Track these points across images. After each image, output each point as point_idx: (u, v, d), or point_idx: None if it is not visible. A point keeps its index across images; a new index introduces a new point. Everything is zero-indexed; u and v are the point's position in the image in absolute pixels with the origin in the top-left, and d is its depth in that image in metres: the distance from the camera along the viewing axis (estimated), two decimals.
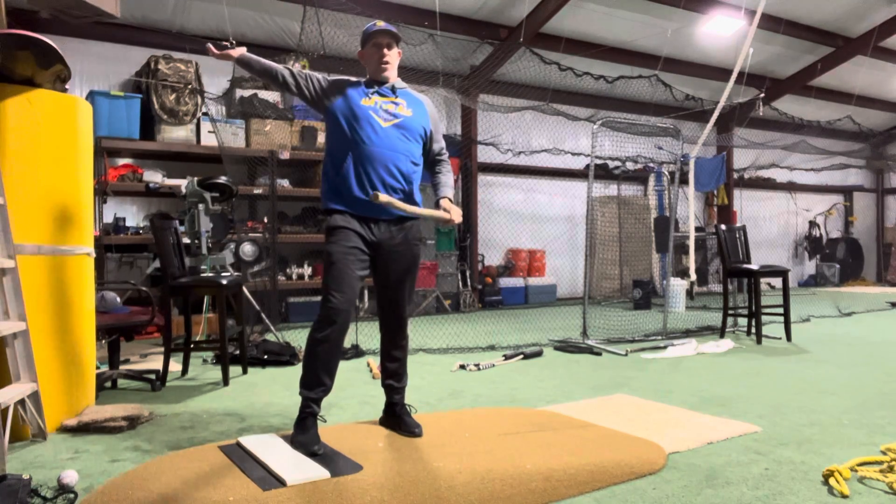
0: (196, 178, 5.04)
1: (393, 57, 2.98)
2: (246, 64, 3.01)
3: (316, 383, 2.78)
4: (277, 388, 4.13)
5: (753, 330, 6.01)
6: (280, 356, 4.97)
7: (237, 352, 4.75)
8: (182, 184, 5.33)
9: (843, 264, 13.90)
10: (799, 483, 2.42)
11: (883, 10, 9.85)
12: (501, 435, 2.92)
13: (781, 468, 2.57)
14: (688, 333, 6.36)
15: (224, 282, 4.31)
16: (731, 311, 6.31)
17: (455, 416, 3.35)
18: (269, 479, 2.36)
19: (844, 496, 2.28)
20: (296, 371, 4.58)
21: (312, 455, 2.60)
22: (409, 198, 2.92)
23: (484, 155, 9.82)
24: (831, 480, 2.38)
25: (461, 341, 5.85)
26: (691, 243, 7.79)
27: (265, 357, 4.95)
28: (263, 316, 6.04)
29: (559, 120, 9.49)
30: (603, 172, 10.07)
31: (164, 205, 7.34)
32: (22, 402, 2.91)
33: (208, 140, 7.07)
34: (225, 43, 3.01)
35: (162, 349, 4.67)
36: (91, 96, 6.47)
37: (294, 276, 7.69)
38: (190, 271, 4.61)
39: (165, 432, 3.18)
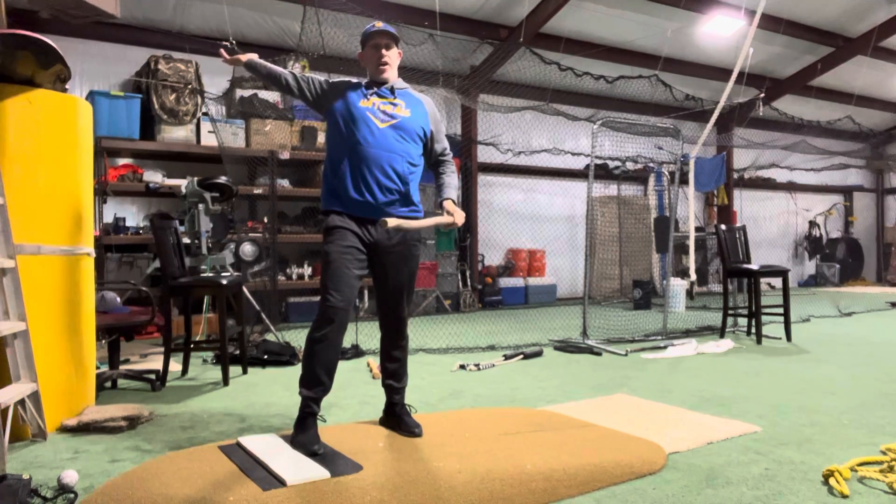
0: (196, 178, 5.04)
1: (392, 57, 2.99)
2: (253, 68, 3.04)
3: (315, 383, 2.78)
4: (277, 388, 4.13)
5: (753, 330, 6.01)
6: (280, 356, 4.97)
7: (237, 352, 4.75)
8: (182, 184, 5.33)
9: (843, 264, 13.90)
10: (799, 483, 2.42)
11: (883, 10, 9.85)
12: (501, 435, 2.92)
13: (781, 468, 2.57)
14: (688, 333, 6.36)
15: (224, 282, 4.31)
16: (731, 311, 6.31)
17: (455, 416, 3.35)
18: (269, 479, 2.36)
19: (844, 496, 2.28)
20: (296, 371, 4.57)
21: (312, 455, 2.60)
22: (405, 199, 2.92)
23: (484, 155, 9.82)
24: (831, 480, 2.38)
25: (461, 341, 5.85)
26: (691, 243, 7.79)
27: (265, 357, 4.95)
28: (263, 316, 6.04)
29: (559, 120, 9.49)
30: (603, 172, 10.07)
31: (164, 205, 7.33)
32: (22, 402, 2.91)
33: (208, 140, 7.07)
34: (234, 48, 3.04)
35: (162, 349, 4.67)
36: (91, 96, 6.47)
37: (294, 276, 7.69)
38: (190, 271, 4.61)
39: (165, 432, 3.18)
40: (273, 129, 7.37)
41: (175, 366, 4.55)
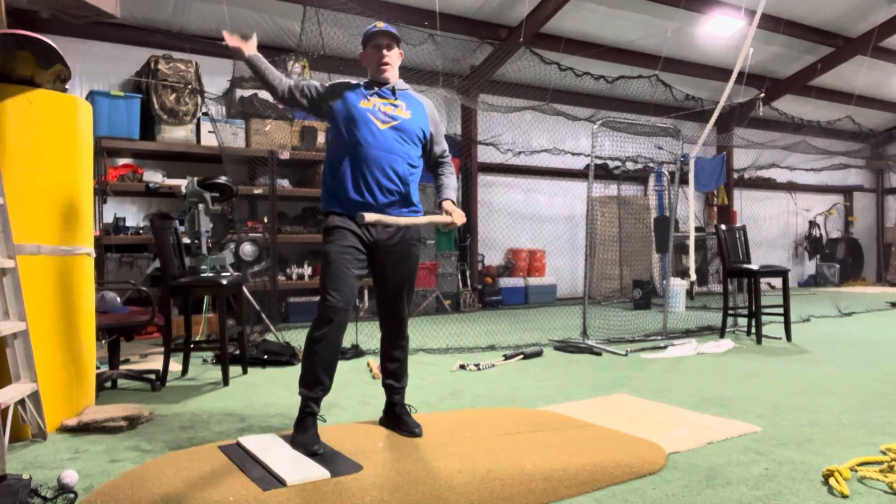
0: (196, 178, 5.04)
1: (393, 58, 2.99)
2: (253, 66, 2.94)
3: (315, 382, 2.78)
4: (277, 388, 4.13)
5: (753, 330, 6.01)
6: (280, 356, 4.97)
7: (237, 352, 4.75)
8: (182, 184, 5.33)
9: (843, 264, 13.90)
10: (799, 483, 2.42)
11: (883, 10, 9.85)
12: (501, 435, 2.92)
13: (781, 468, 2.57)
14: (688, 333, 6.36)
15: (224, 282, 4.31)
16: (731, 311, 6.30)
17: (455, 416, 3.36)
18: (269, 479, 2.36)
19: (844, 496, 2.28)
20: (296, 371, 4.56)
21: (312, 455, 2.61)
22: (405, 200, 2.92)
23: (484, 155, 9.82)
24: (831, 480, 2.38)
25: (461, 341, 5.85)
26: (691, 243, 7.79)
27: (265, 357, 4.95)
28: (263, 316, 6.04)
29: (559, 120, 9.49)
30: (603, 172, 10.07)
31: (164, 205, 7.33)
32: (22, 402, 2.91)
33: (208, 140, 7.07)
34: (246, 34, 2.95)
35: (162, 349, 4.67)
36: (91, 96, 6.47)
37: (294, 276, 7.69)
38: (190, 271, 4.61)
39: (165, 432, 3.18)
40: (273, 129, 7.37)
41: (175, 366, 4.55)
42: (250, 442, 2.76)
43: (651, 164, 10.63)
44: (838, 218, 14.84)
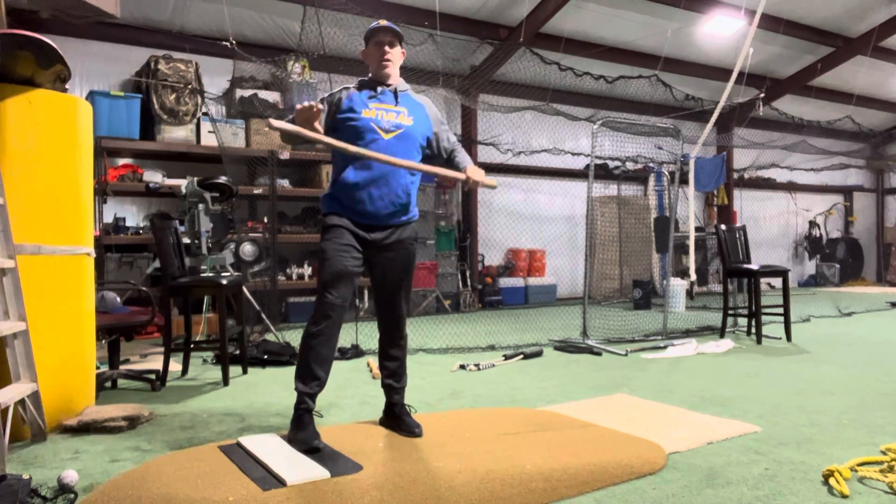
0: (196, 178, 5.05)
1: (395, 55, 2.98)
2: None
3: (311, 377, 2.79)
4: (277, 388, 4.13)
5: (753, 330, 6.01)
6: (280, 356, 4.97)
7: (237, 352, 4.75)
8: (182, 184, 5.33)
9: (843, 264, 13.89)
10: (799, 483, 2.42)
11: (883, 10, 9.84)
12: (501, 435, 2.92)
13: (781, 468, 2.57)
14: (688, 333, 6.36)
15: (224, 282, 4.31)
16: (731, 311, 6.30)
17: (455, 416, 3.36)
18: (269, 479, 2.36)
19: (844, 496, 2.28)
20: None
21: (312, 451, 2.61)
22: (406, 208, 2.94)
23: (484, 155, 9.81)
24: (831, 480, 2.38)
25: (461, 341, 5.85)
26: (691, 243, 7.79)
27: (265, 357, 4.95)
28: (263, 316, 6.03)
29: (559, 120, 9.49)
30: (603, 172, 10.06)
31: (164, 205, 7.33)
32: (22, 402, 2.91)
33: (208, 140, 7.07)
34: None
35: (162, 349, 4.67)
36: (91, 96, 6.47)
37: (294, 276, 7.69)
38: (190, 271, 4.62)
39: (165, 432, 3.18)
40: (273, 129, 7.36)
41: (175, 366, 4.55)
42: (250, 442, 2.76)
43: (651, 164, 10.63)
44: (838, 218, 14.84)
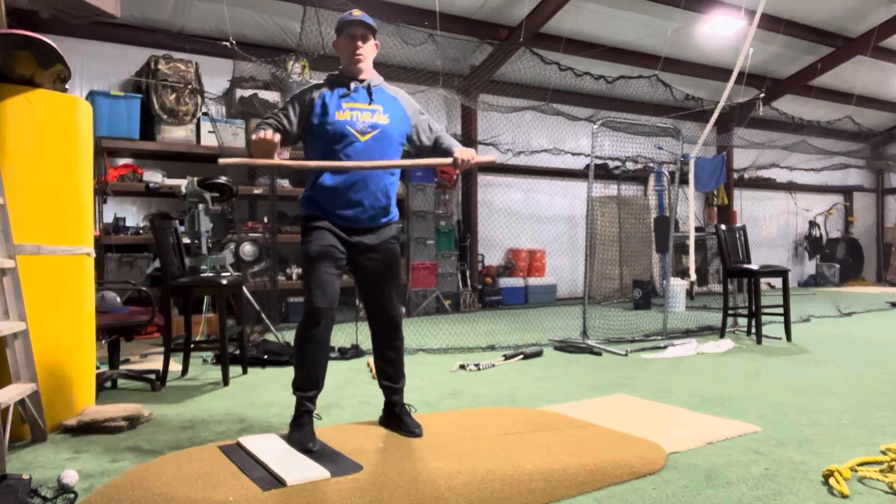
0: (196, 178, 5.04)
1: (368, 50, 2.88)
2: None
3: (309, 385, 2.79)
4: (277, 388, 4.13)
5: (753, 330, 6.01)
6: (280, 356, 4.97)
7: (237, 352, 4.75)
8: (182, 184, 5.33)
9: (843, 264, 13.89)
10: (799, 483, 2.42)
11: (883, 10, 9.84)
12: (501, 435, 2.92)
13: (781, 468, 2.57)
14: (688, 333, 6.36)
15: (224, 282, 4.31)
16: (731, 311, 6.30)
17: (455, 416, 3.36)
18: (269, 479, 2.36)
19: (844, 496, 2.27)
20: None
21: (307, 452, 2.61)
22: (385, 210, 2.90)
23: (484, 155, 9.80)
24: (831, 480, 2.38)
25: (461, 341, 5.85)
26: (691, 243, 7.79)
27: (265, 357, 4.95)
28: (263, 316, 6.04)
29: (559, 120, 9.49)
30: (603, 172, 10.06)
31: (164, 205, 7.33)
32: (22, 402, 2.91)
33: (208, 140, 7.07)
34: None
35: (162, 349, 4.67)
36: (91, 96, 6.47)
37: (294, 276, 7.69)
38: (190, 271, 4.61)
39: (165, 432, 3.18)
40: None
41: (175, 366, 4.55)
42: (250, 442, 2.76)
43: (651, 164, 10.63)
44: (838, 218, 14.84)
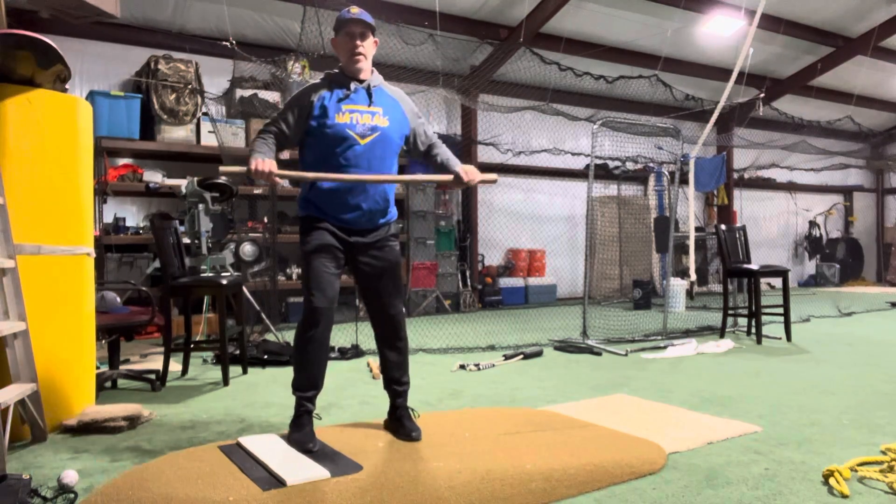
0: (196, 178, 5.04)
1: (367, 48, 2.85)
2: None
3: (308, 385, 2.79)
4: (277, 388, 4.13)
5: (753, 330, 6.01)
6: (280, 356, 4.97)
7: (237, 352, 4.75)
8: (182, 184, 5.33)
9: (843, 264, 13.90)
10: (799, 483, 2.42)
11: (883, 10, 9.85)
12: (501, 435, 2.92)
13: (781, 468, 2.57)
14: (688, 333, 6.36)
15: (224, 282, 4.31)
16: (731, 311, 6.30)
17: (455, 416, 3.35)
18: (269, 479, 2.36)
19: (844, 496, 2.27)
20: None
21: (307, 452, 2.61)
22: (384, 212, 2.89)
23: (484, 155, 9.81)
24: (831, 480, 2.38)
25: (461, 341, 5.85)
26: (691, 243, 7.79)
27: (265, 357, 4.95)
28: (263, 316, 6.04)
29: (559, 120, 9.49)
30: (603, 172, 10.06)
31: (164, 205, 7.33)
32: (22, 402, 2.91)
33: (208, 140, 7.07)
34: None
35: (162, 349, 4.67)
36: (91, 96, 6.47)
37: (294, 276, 7.69)
38: (190, 271, 4.61)
39: (165, 432, 3.18)
40: None
41: (175, 366, 4.55)
42: (250, 442, 2.76)
43: (651, 164, 10.63)
44: (838, 218, 14.84)
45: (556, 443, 2.81)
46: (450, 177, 2.89)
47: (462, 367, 4.78)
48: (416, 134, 2.98)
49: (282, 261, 7.63)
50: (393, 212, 2.96)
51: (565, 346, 5.62)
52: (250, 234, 7.09)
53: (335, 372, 4.43)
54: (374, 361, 4.80)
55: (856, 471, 2.47)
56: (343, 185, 2.76)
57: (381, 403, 3.13)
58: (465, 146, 9.61)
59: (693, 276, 7.84)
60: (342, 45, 2.85)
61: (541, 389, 4.08)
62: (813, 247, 14.00)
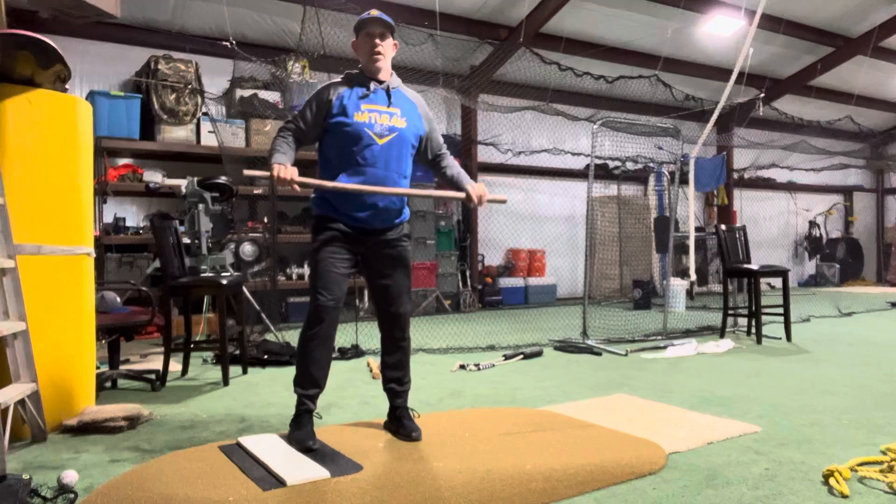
0: (196, 178, 5.04)
1: (386, 48, 2.87)
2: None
3: (310, 383, 2.79)
4: (277, 388, 4.13)
5: (753, 330, 6.01)
6: (280, 356, 4.97)
7: (237, 352, 4.75)
8: (182, 184, 5.33)
9: (843, 264, 13.89)
10: (799, 483, 2.42)
11: (883, 10, 9.85)
12: (501, 435, 2.92)
13: (781, 468, 2.57)
14: (688, 333, 6.36)
15: (224, 282, 4.31)
16: (731, 311, 6.30)
17: (455, 416, 3.36)
18: (269, 479, 2.36)
19: (844, 496, 2.27)
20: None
21: (307, 451, 2.62)
22: (399, 212, 2.92)
23: (484, 155, 9.82)
24: (831, 480, 2.38)
25: (461, 341, 5.85)
26: (691, 243, 7.79)
27: (265, 357, 4.95)
28: (263, 316, 6.04)
29: (559, 120, 9.49)
30: (603, 172, 10.06)
31: (164, 205, 7.33)
32: (22, 402, 2.91)
33: (208, 140, 7.07)
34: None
35: (162, 349, 4.67)
36: (91, 96, 6.47)
37: (294, 276, 7.69)
38: (190, 271, 4.61)
39: (165, 432, 3.18)
40: (273, 129, 7.37)
41: (175, 366, 4.55)
42: (250, 442, 2.76)
43: (651, 164, 10.63)
44: (838, 218, 14.84)
45: (556, 443, 2.81)
46: (461, 195, 2.95)
47: (462, 367, 4.78)
48: (430, 139, 3.02)
49: (282, 261, 7.62)
50: (407, 212, 3.00)
51: (565, 346, 5.62)
52: (250, 234, 7.09)
53: (335, 372, 4.41)
54: (374, 361, 4.80)
55: (856, 471, 2.48)
56: (361, 183, 2.77)
57: (381, 403, 3.13)
58: (464, 146, 9.62)
59: (693, 276, 7.83)
60: (362, 45, 2.88)
61: (541, 389, 4.08)
62: (813, 247, 14.00)
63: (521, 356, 5.17)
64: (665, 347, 5.56)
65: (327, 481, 2.34)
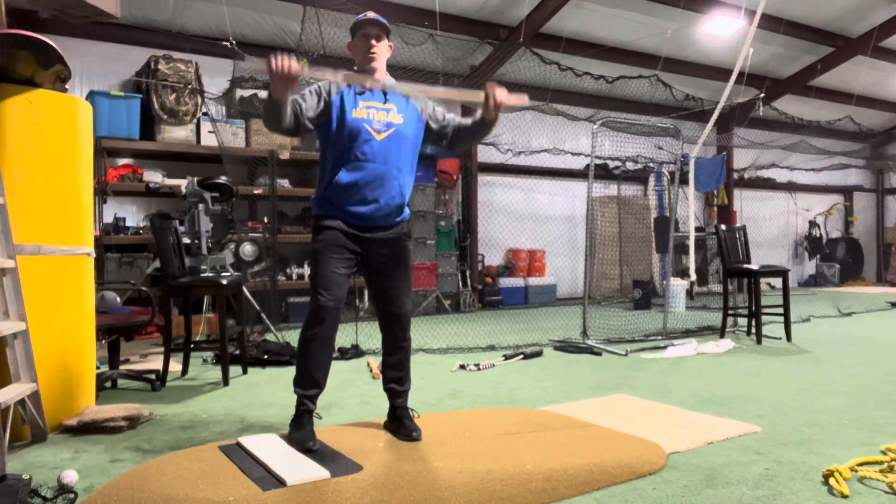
0: (196, 178, 5.05)
1: (382, 49, 2.91)
2: (279, 101, 2.60)
3: (311, 383, 2.79)
4: (277, 388, 4.13)
5: (753, 330, 6.01)
6: (280, 356, 4.97)
7: (237, 352, 4.75)
8: (182, 184, 5.33)
9: (843, 264, 13.89)
10: (799, 483, 2.42)
11: (883, 10, 9.85)
12: (501, 435, 2.92)
13: (781, 468, 2.57)
14: (688, 333, 6.36)
15: (224, 282, 4.31)
16: (731, 311, 6.30)
17: (455, 416, 3.36)
18: (269, 479, 2.36)
19: (844, 496, 2.28)
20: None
21: (307, 451, 2.62)
22: (400, 210, 2.92)
23: (484, 155, 9.81)
24: (831, 480, 2.38)
25: (461, 341, 5.85)
26: (691, 243, 7.79)
27: (265, 357, 4.95)
28: (263, 316, 6.04)
29: (559, 120, 9.49)
30: (603, 172, 10.06)
31: (164, 205, 7.33)
32: (22, 402, 2.91)
33: (208, 140, 7.07)
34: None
35: (162, 349, 4.67)
36: (91, 96, 6.47)
37: (294, 276, 7.69)
38: (190, 271, 4.61)
39: (165, 432, 3.18)
40: None
41: (175, 366, 4.55)
42: (250, 442, 2.76)
43: (651, 164, 10.63)
44: (838, 218, 14.84)
45: (556, 443, 2.81)
46: (480, 95, 2.84)
47: (462, 367, 4.78)
48: (434, 119, 3.01)
49: (282, 261, 7.63)
50: (407, 211, 3.00)
51: (565, 346, 5.62)
52: (250, 234, 7.09)
53: (335, 372, 4.41)
54: (374, 361, 4.80)
55: (856, 471, 2.48)
56: (362, 177, 2.79)
57: (381, 403, 3.13)
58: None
59: (693, 276, 7.83)
60: (358, 46, 2.91)
61: (541, 389, 4.08)
62: (813, 247, 14.00)
63: (521, 356, 5.17)
64: (665, 347, 5.56)
65: (327, 481, 2.34)
